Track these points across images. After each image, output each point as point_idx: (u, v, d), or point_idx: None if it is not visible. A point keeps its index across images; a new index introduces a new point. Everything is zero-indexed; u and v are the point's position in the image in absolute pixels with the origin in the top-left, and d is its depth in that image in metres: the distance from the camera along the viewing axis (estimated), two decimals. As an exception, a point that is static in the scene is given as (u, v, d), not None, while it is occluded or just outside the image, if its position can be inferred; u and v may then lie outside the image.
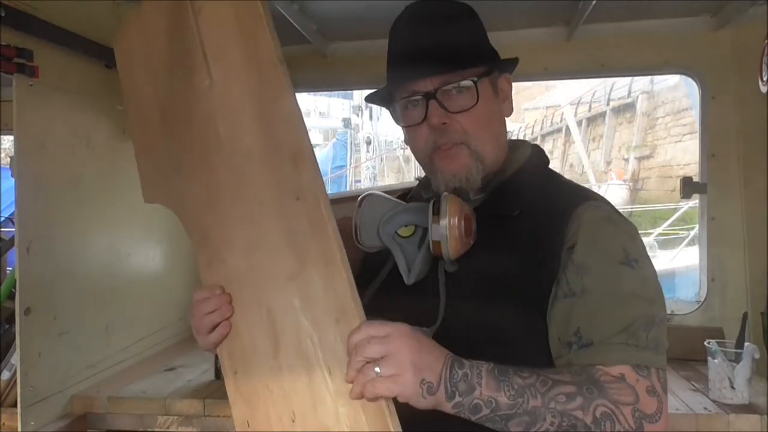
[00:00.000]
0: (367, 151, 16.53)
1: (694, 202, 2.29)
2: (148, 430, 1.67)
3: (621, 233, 0.96)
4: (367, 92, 1.19)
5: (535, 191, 1.03)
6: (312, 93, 9.15)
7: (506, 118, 1.11)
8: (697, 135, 2.31)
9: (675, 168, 14.20)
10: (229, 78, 0.99)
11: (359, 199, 1.11)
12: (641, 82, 15.53)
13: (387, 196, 1.11)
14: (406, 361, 0.78)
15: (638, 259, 0.93)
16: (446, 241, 0.95)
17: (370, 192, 1.11)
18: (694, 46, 2.18)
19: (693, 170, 2.33)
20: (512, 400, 0.81)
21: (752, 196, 2.08)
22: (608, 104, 17.43)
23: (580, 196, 1.00)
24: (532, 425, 0.81)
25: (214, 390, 1.71)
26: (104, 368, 1.81)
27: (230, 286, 0.98)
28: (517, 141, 1.15)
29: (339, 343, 0.86)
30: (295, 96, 0.94)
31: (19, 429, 1.50)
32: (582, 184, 1.14)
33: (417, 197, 1.16)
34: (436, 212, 0.96)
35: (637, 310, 0.90)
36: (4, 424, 1.63)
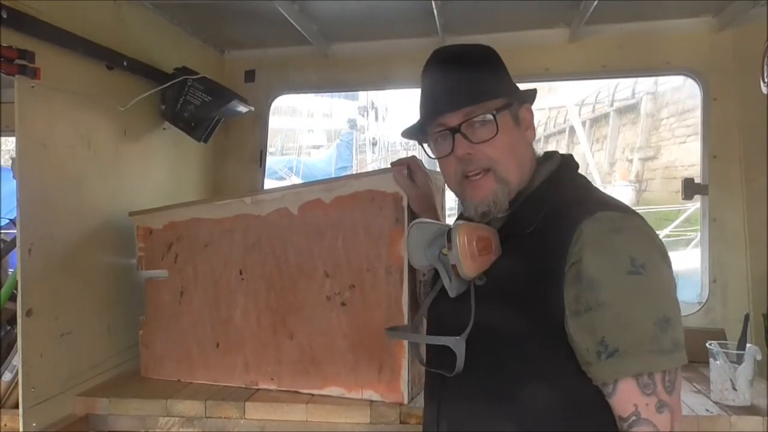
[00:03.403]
0: (373, 152, 16.49)
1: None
2: (150, 431, 1.67)
3: (626, 241, 1.01)
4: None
5: (549, 207, 1.10)
6: (313, 93, 9.15)
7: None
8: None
9: (679, 169, 14.13)
10: None
11: (409, 226, 1.27)
12: (645, 83, 15.46)
13: (431, 221, 1.27)
14: None
15: (645, 263, 0.98)
16: (460, 264, 1.08)
17: (417, 220, 1.26)
18: (695, 47, 2.18)
19: (697, 171, 2.33)
20: None
21: (754, 196, 2.08)
22: (612, 105, 17.36)
23: (585, 211, 1.03)
24: None
25: (216, 391, 1.71)
26: (106, 369, 1.81)
27: None
28: (548, 153, 1.22)
29: None
30: None
31: (21, 430, 1.50)
32: (597, 188, 1.19)
33: (463, 217, 1.26)
34: (449, 240, 1.10)
35: (652, 314, 0.97)
36: (5, 425, 1.63)
